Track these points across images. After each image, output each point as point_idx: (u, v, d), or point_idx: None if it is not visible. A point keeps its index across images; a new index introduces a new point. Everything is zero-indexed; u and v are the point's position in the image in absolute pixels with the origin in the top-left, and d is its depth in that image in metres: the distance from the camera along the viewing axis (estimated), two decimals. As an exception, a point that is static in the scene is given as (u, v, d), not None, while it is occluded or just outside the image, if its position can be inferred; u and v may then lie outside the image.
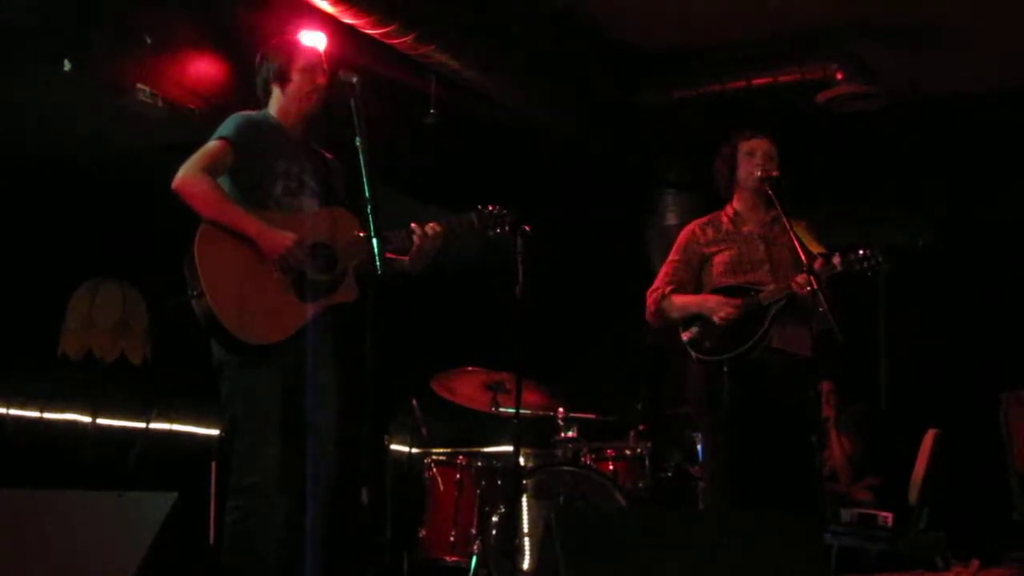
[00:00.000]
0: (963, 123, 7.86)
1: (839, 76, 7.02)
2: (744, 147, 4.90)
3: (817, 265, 4.58)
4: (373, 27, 5.67)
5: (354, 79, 3.99)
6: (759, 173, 4.81)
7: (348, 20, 5.57)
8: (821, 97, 7.17)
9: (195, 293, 3.82)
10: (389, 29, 5.71)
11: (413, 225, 4.18)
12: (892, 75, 7.22)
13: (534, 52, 6.78)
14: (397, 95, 6.48)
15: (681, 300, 4.93)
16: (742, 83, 7.31)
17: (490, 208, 4.41)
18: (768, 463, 4.64)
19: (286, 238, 3.90)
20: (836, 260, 4.58)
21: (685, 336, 4.90)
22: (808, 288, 4.53)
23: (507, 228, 4.44)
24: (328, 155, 4.32)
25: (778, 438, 4.66)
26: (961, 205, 8.39)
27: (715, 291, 4.88)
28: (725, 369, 4.72)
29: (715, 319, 4.77)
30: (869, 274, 4.57)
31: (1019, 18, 6.72)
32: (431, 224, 4.21)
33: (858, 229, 8.63)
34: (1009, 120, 7.69)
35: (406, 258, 4.19)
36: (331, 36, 5.49)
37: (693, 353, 4.87)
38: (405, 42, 5.86)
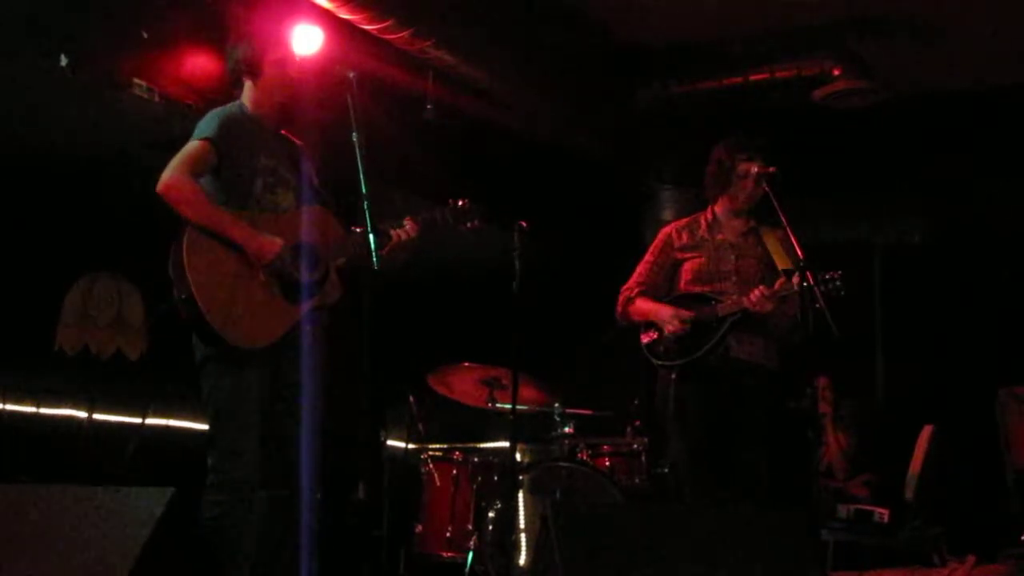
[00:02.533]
0: (960, 119, 7.86)
1: (836, 72, 7.03)
2: (740, 169, 4.91)
3: (777, 285, 4.66)
4: (370, 22, 5.66)
5: (351, 74, 3.99)
6: (755, 170, 4.83)
7: (345, 15, 5.56)
8: (818, 93, 7.17)
9: (183, 296, 3.79)
10: (386, 24, 5.70)
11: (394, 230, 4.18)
12: (889, 71, 7.21)
13: (531, 48, 6.77)
14: (394, 91, 6.47)
15: (642, 305, 5.00)
16: (739, 79, 7.31)
17: (459, 202, 4.37)
18: (729, 464, 4.72)
19: (274, 244, 3.90)
20: (795, 280, 4.62)
21: (644, 339, 4.97)
22: (758, 307, 4.65)
23: (475, 222, 4.39)
24: (297, 141, 4.26)
25: (738, 441, 4.73)
26: (957, 201, 8.39)
27: (677, 297, 4.95)
28: (673, 376, 4.80)
29: (664, 331, 4.83)
30: (827, 296, 4.58)
31: (1016, 14, 6.72)
32: (407, 220, 4.19)
33: (855, 225, 8.65)
34: (1006, 116, 7.69)
35: (383, 252, 4.17)
36: (328, 31, 5.48)
37: (649, 357, 4.92)
38: (402, 37, 5.85)
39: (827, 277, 4.61)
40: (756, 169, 4.84)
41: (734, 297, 4.77)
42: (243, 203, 3.99)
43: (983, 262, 8.18)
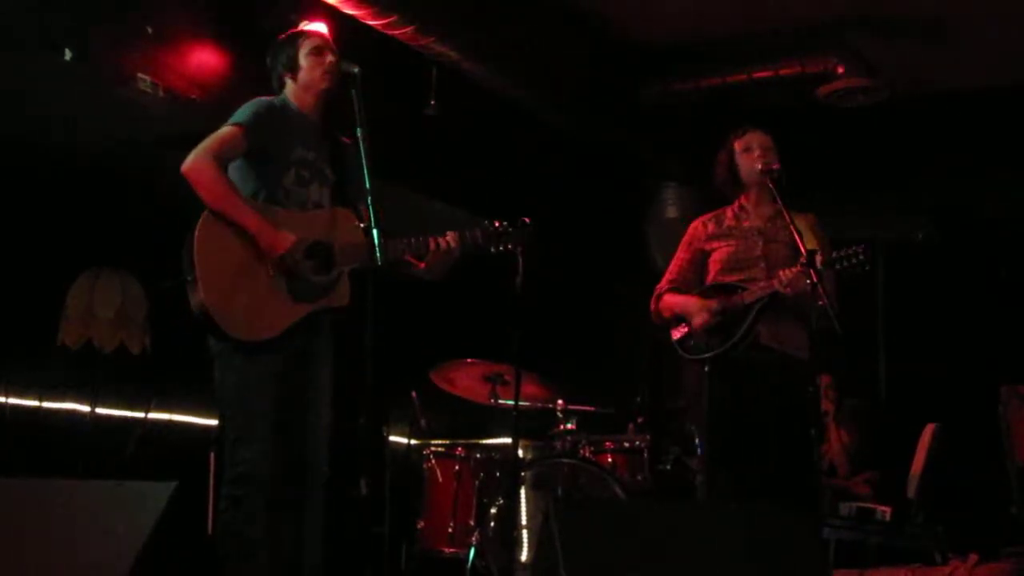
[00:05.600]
0: (963, 117, 7.86)
1: (840, 70, 7.02)
2: (740, 144, 4.89)
3: (801, 264, 4.57)
4: (374, 18, 5.67)
5: (355, 70, 3.99)
6: (760, 166, 4.80)
7: (349, 11, 5.57)
8: (822, 91, 7.16)
9: (189, 279, 3.81)
10: (390, 20, 5.71)
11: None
12: (893, 69, 7.21)
13: (535, 45, 6.77)
14: (398, 87, 6.48)
15: (670, 300, 4.97)
16: (743, 77, 7.31)
17: (497, 224, 4.34)
18: (756, 461, 4.66)
19: (286, 239, 3.88)
20: (819, 258, 4.56)
21: (675, 335, 4.94)
22: (789, 288, 4.57)
23: (510, 247, 4.34)
24: (346, 140, 4.24)
25: (767, 437, 4.67)
26: (960, 199, 8.40)
27: (706, 288, 4.91)
28: (706, 368, 4.77)
29: (693, 324, 4.81)
30: (854, 271, 4.54)
31: (1019, 13, 6.72)
32: (450, 234, 4.19)
33: (858, 223, 8.65)
34: (1009, 115, 7.69)
35: (423, 265, 4.19)
36: (332, 27, 5.47)
37: (681, 352, 4.91)
38: (406, 33, 5.85)
39: (851, 251, 4.54)
40: (757, 144, 4.82)
41: (761, 283, 4.73)
42: (273, 192, 4.02)
43: (986, 260, 8.18)
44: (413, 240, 4.13)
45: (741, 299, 4.73)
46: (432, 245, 4.14)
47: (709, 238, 4.97)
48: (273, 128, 4.05)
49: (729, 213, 5.00)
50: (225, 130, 3.99)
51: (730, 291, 4.79)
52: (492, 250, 4.34)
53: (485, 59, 6.42)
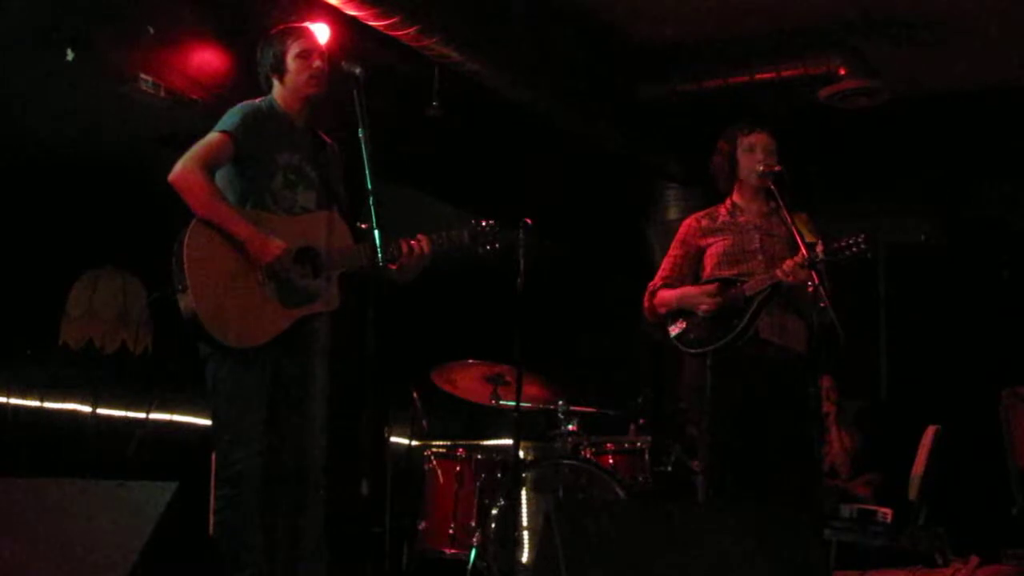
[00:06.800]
0: (965, 119, 7.86)
1: (842, 71, 7.02)
2: (743, 143, 4.86)
3: (802, 255, 4.54)
4: (376, 19, 5.67)
5: (358, 70, 3.97)
6: (761, 168, 4.79)
7: (351, 12, 5.57)
8: (824, 92, 7.16)
9: (180, 288, 3.80)
10: (392, 21, 5.71)
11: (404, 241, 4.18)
12: (895, 71, 7.21)
13: (536, 45, 6.77)
14: (400, 87, 6.48)
15: (665, 295, 4.93)
16: (745, 78, 7.30)
17: (483, 223, 4.32)
18: (758, 458, 4.64)
19: (276, 246, 3.87)
20: (819, 248, 4.54)
21: (672, 331, 4.90)
22: (791, 277, 4.54)
23: (496, 245, 4.33)
24: (328, 140, 4.25)
25: (769, 433, 4.65)
26: (963, 201, 8.40)
27: (703, 283, 4.87)
28: (708, 362, 4.73)
29: (698, 312, 4.78)
30: (855, 260, 4.52)
31: (1019, 14, 6.72)
32: (421, 238, 4.17)
33: (860, 225, 8.64)
34: (1011, 116, 7.69)
35: (394, 267, 4.17)
36: (334, 28, 5.48)
37: (680, 347, 4.88)
38: (408, 34, 5.85)
39: (852, 241, 4.51)
40: (760, 146, 4.80)
41: (760, 275, 4.70)
42: (261, 197, 3.99)
43: (986, 262, 8.18)
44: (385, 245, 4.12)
45: (741, 291, 4.72)
46: (404, 248, 4.13)
47: (704, 233, 4.94)
48: (260, 134, 4.02)
49: (723, 210, 4.97)
50: (212, 137, 3.96)
51: (728, 285, 4.78)
52: (479, 250, 4.31)
53: (486, 60, 6.41)
